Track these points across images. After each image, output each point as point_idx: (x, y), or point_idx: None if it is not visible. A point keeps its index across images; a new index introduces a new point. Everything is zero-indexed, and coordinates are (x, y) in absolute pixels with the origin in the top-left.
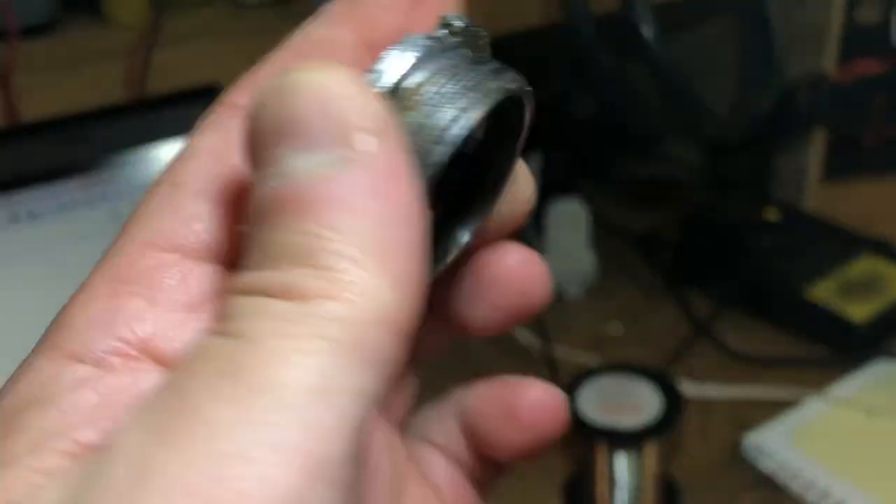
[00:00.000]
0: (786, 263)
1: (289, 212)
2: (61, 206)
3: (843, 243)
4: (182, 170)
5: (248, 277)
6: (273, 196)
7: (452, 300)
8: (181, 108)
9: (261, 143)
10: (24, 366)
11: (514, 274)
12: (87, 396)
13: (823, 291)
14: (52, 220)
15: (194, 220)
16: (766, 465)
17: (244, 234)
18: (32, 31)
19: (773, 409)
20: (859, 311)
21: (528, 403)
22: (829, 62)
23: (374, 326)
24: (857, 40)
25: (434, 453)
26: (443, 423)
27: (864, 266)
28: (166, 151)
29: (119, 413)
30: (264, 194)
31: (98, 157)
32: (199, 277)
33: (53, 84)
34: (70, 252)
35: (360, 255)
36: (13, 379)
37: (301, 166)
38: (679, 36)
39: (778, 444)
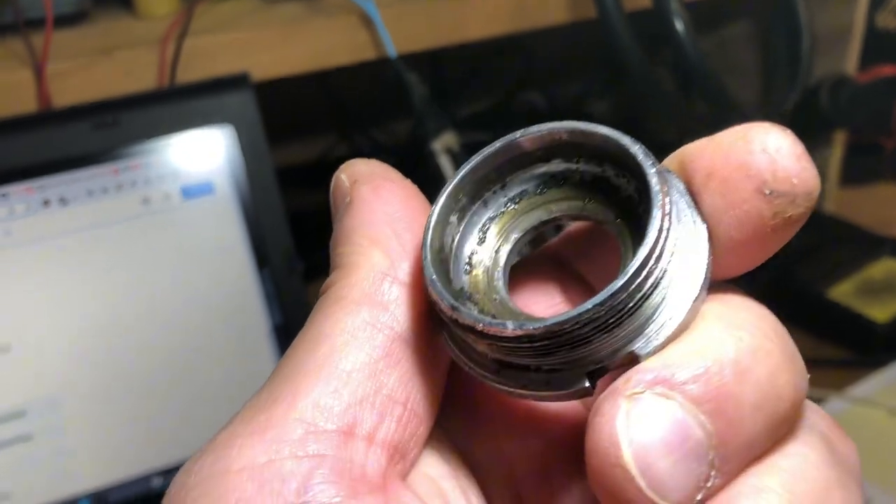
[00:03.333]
0: (806, 265)
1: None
2: (91, 192)
3: (862, 245)
4: None
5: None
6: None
7: None
8: (211, 97)
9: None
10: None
11: None
12: None
13: (844, 292)
14: (82, 205)
15: None
16: None
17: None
18: (65, 21)
19: None
20: (880, 312)
21: None
22: (850, 65)
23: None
24: (878, 45)
25: None
26: None
27: (884, 267)
28: (195, 139)
29: None
30: None
31: (128, 145)
32: None
33: (85, 72)
34: (101, 237)
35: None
36: None
37: None
38: (704, 36)
39: None
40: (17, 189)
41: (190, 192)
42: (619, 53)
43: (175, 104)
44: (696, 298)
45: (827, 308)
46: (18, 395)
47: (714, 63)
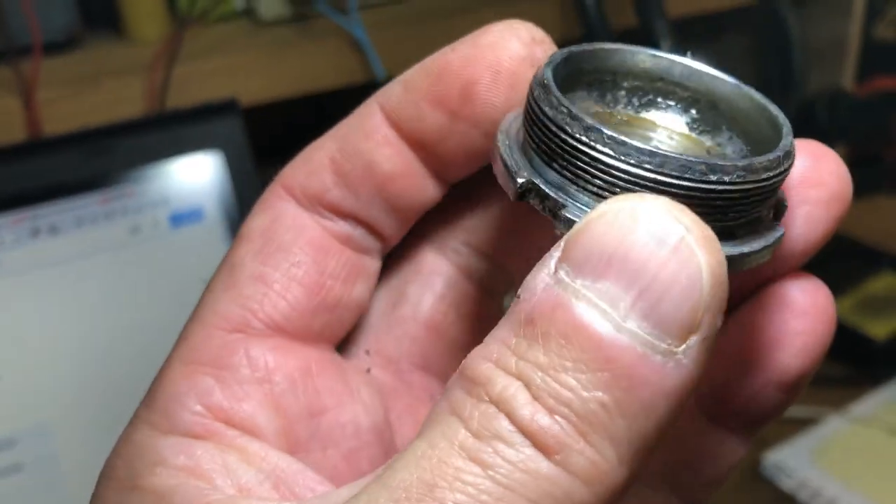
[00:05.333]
0: None
1: (591, 358)
2: (81, 220)
3: (862, 259)
4: (237, 252)
5: (517, 401)
6: (578, 323)
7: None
8: (200, 123)
9: (594, 258)
10: (124, 440)
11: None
12: (183, 462)
13: (843, 308)
14: (72, 234)
15: (251, 301)
16: (787, 483)
17: (512, 312)
18: (54, 48)
19: (793, 427)
20: (880, 329)
21: None
22: (847, 78)
23: None
24: (875, 58)
25: None
26: None
27: (884, 282)
28: (185, 165)
29: (209, 479)
30: (570, 310)
31: (118, 172)
32: (261, 353)
33: (74, 99)
34: (90, 266)
35: (627, 453)
36: (117, 453)
37: (630, 326)
38: (695, 52)
39: (798, 463)
40: (6, 220)
41: (179, 220)
42: None
43: (163, 131)
44: None
45: None
46: (8, 424)
47: None
